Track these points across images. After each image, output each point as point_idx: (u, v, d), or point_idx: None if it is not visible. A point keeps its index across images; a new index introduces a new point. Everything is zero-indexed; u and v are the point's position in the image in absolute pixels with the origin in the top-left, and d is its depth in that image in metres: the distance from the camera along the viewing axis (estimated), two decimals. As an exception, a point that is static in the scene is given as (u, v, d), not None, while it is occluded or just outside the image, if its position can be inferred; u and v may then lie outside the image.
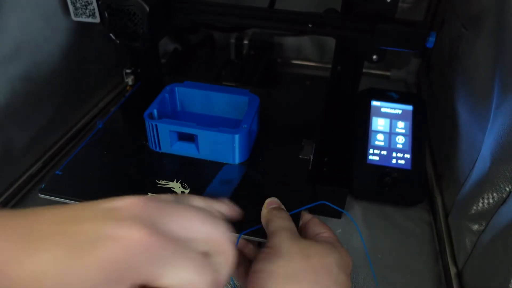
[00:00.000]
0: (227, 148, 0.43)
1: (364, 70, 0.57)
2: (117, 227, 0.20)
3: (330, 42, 0.79)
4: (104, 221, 0.21)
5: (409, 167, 0.52)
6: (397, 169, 0.52)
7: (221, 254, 0.24)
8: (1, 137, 0.48)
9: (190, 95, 0.49)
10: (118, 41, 0.52)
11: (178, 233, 0.22)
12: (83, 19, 0.53)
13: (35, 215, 0.22)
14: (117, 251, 0.20)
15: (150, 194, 0.40)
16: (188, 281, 0.21)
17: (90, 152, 0.46)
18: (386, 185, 0.51)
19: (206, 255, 0.23)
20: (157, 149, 0.45)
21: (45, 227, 0.21)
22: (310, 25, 0.51)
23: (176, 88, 0.49)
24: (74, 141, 0.61)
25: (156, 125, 0.44)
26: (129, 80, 0.65)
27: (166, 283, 0.20)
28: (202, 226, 0.24)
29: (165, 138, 0.44)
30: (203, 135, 0.43)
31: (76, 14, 0.53)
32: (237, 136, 0.42)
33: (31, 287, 0.20)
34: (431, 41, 0.47)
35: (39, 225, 0.21)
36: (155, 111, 0.45)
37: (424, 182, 0.52)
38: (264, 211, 0.36)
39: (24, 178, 0.53)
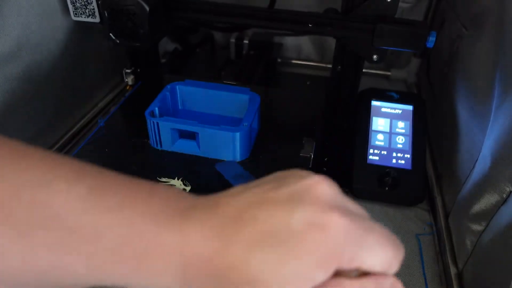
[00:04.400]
0: (228, 146, 0.43)
1: (364, 70, 0.57)
2: (316, 214, 0.19)
3: (330, 42, 0.79)
4: (300, 208, 0.20)
5: (409, 167, 0.52)
6: (397, 169, 0.52)
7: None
8: (1, 137, 0.48)
9: (191, 94, 0.50)
10: (118, 41, 0.52)
11: (362, 213, 0.22)
12: (83, 18, 0.53)
13: (223, 203, 0.21)
14: (320, 241, 0.19)
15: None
16: (384, 261, 0.21)
17: (92, 149, 0.46)
18: (386, 185, 0.51)
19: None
20: (159, 147, 0.46)
21: (237, 215, 0.20)
22: (310, 25, 0.51)
23: (177, 87, 0.49)
24: (74, 140, 0.61)
25: (157, 123, 0.44)
26: (129, 80, 0.65)
27: (365, 265, 0.20)
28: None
29: (166, 136, 0.45)
30: (204, 133, 0.43)
31: (76, 14, 0.53)
32: (237, 134, 0.42)
33: (233, 276, 0.19)
34: (431, 41, 0.47)
35: (230, 214, 0.20)
36: (156, 109, 0.45)
37: (424, 182, 0.52)
38: None
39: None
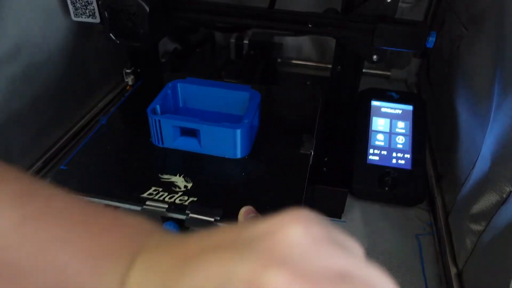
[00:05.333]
0: (229, 143, 0.44)
1: (364, 70, 0.57)
2: (256, 271, 0.15)
3: (330, 42, 0.79)
4: (237, 262, 0.16)
5: (409, 167, 0.52)
6: (397, 169, 0.52)
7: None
8: (1, 137, 0.48)
9: (192, 91, 0.50)
10: (118, 41, 0.52)
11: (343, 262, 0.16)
12: (83, 19, 0.53)
13: (182, 244, 0.19)
14: None
15: (153, 188, 0.40)
16: None
17: (94, 147, 0.47)
18: (386, 185, 0.51)
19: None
20: (160, 144, 0.46)
21: (184, 261, 0.18)
22: (310, 25, 0.51)
23: (178, 84, 0.50)
24: (74, 140, 0.61)
25: (159, 120, 0.44)
26: (129, 80, 0.65)
27: None
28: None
29: (168, 133, 0.45)
30: (205, 130, 0.44)
31: (76, 14, 0.53)
32: (238, 131, 0.43)
33: None
34: (431, 41, 0.47)
35: (180, 258, 0.18)
36: (158, 107, 0.45)
37: (424, 182, 0.52)
38: (241, 219, 0.32)
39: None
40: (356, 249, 0.17)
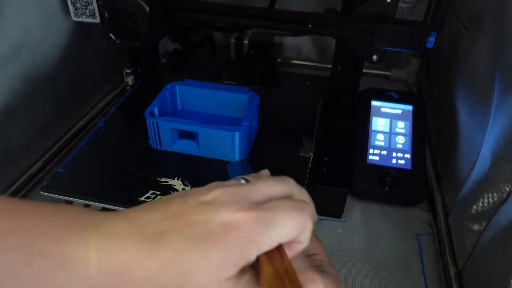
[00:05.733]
0: (227, 146, 0.44)
1: (364, 70, 0.57)
2: (226, 214, 0.23)
3: (330, 42, 0.79)
4: (211, 211, 0.23)
5: (409, 167, 0.52)
6: (397, 169, 0.52)
7: (299, 194, 0.27)
8: (1, 137, 0.48)
9: (190, 94, 0.50)
10: (118, 41, 0.52)
11: (262, 199, 0.25)
12: (83, 19, 0.53)
13: (136, 217, 0.24)
14: (234, 233, 0.22)
15: (151, 192, 0.40)
16: (295, 227, 0.24)
17: (91, 150, 0.46)
18: (386, 185, 0.51)
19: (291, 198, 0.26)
20: (158, 147, 0.46)
21: (155, 225, 0.23)
22: (310, 25, 0.51)
23: (176, 87, 0.49)
24: (74, 140, 0.61)
25: (157, 123, 0.44)
26: (129, 80, 0.65)
27: (280, 240, 0.23)
28: (273, 185, 0.26)
29: (166, 136, 0.45)
30: (203, 133, 0.43)
31: (76, 14, 0.53)
32: (237, 134, 0.42)
33: (165, 275, 0.22)
34: (431, 41, 0.47)
35: (148, 225, 0.23)
36: (156, 109, 0.45)
37: (424, 182, 0.52)
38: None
39: (24, 178, 0.53)
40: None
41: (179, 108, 0.51)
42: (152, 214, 0.24)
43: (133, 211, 0.24)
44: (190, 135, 0.45)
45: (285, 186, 0.27)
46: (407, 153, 0.53)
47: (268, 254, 0.23)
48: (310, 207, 0.26)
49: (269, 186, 0.26)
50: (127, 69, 0.65)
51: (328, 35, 0.52)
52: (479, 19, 0.48)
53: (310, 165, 0.44)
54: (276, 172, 0.44)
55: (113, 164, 0.45)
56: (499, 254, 0.34)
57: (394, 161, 0.53)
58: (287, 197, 0.26)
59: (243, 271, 0.23)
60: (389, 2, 0.47)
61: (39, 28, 0.51)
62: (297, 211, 0.24)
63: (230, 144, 0.43)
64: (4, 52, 0.47)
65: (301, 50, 0.83)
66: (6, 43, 0.47)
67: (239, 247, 0.22)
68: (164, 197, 0.26)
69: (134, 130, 0.49)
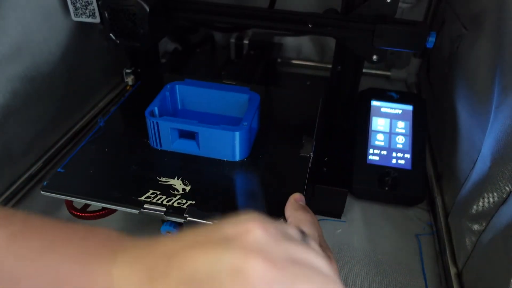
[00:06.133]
0: (228, 146, 0.44)
1: (364, 70, 0.57)
2: (238, 259, 0.20)
3: (330, 42, 0.79)
4: (225, 252, 0.20)
5: (409, 167, 0.52)
6: (397, 169, 0.52)
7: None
8: (1, 137, 0.48)
9: (190, 93, 0.50)
10: (118, 41, 0.52)
11: (302, 258, 0.22)
12: (83, 19, 0.53)
13: (160, 244, 0.22)
14: (247, 286, 0.19)
15: (151, 191, 0.40)
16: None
17: (91, 149, 0.46)
18: (386, 185, 0.51)
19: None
20: (158, 147, 0.46)
21: (167, 259, 0.21)
22: (310, 25, 0.51)
23: (176, 86, 0.49)
24: (74, 140, 0.61)
25: (157, 123, 0.44)
26: (129, 80, 0.65)
27: None
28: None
29: (166, 135, 0.45)
30: (203, 132, 0.43)
31: (76, 14, 0.53)
32: (237, 134, 0.42)
33: None
34: (431, 41, 0.47)
35: (163, 257, 0.21)
36: (156, 109, 0.45)
37: (424, 182, 0.52)
38: (290, 205, 0.36)
39: (24, 178, 0.53)
40: (300, 239, 0.24)
41: (179, 107, 0.51)
42: (173, 243, 0.22)
43: (163, 238, 0.23)
44: (190, 135, 0.45)
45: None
46: (407, 153, 0.53)
47: None
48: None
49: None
50: (127, 69, 0.64)
51: (328, 35, 0.52)
52: (479, 19, 0.48)
53: (310, 165, 0.44)
54: (276, 172, 0.45)
55: (114, 163, 0.45)
56: (499, 254, 0.34)
57: (394, 161, 0.53)
58: None
59: None
60: (389, 2, 0.47)
61: (39, 28, 0.51)
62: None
63: (231, 144, 0.43)
64: (4, 52, 0.47)
65: (301, 50, 0.83)
66: (6, 43, 0.47)
67: None
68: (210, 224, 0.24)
69: (134, 130, 0.49)
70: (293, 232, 0.24)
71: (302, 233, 0.24)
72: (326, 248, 0.31)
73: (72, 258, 0.22)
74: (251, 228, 0.21)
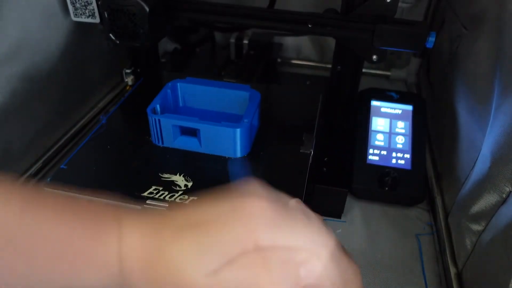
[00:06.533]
0: (229, 142, 0.44)
1: (364, 70, 0.57)
2: (243, 200, 0.23)
3: (330, 42, 0.79)
4: (236, 226, 0.22)
5: (409, 167, 0.52)
6: (397, 169, 0.52)
7: None
8: (0, 137, 0.48)
9: (192, 91, 0.50)
10: (118, 41, 0.52)
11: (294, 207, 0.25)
12: (83, 19, 0.53)
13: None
14: (244, 218, 0.22)
15: (153, 187, 0.40)
16: (307, 243, 0.23)
17: (94, 146, 0.47)
18: (386, 185, 0.51)
19: None
20: (160, 144, 0.46)
21: (193, 236, 0.23)
22: (310, 25, 0.51)
23: (178, 84, 0.50)
24: (74, 140, 0.61)
25: (159, 120, 0.44)
26: (129, 80, 0.65)
27: (290, 245, 0.23)
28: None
29: (168, 132, 0.45)
30: (205, 129, 0.44)
31: (76, 14, 0.53)
32: (238, 130, 0.43)
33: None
34: (431, 41, 0.47)
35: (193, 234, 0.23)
36: (158, 106, 0.46)
37: (424, 182, 0.52)
38: None
39: (24, 178, 0.53)
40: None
41: (180, 105, 0.51)
42: (188, 217, 0.24)
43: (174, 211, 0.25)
44: (191, 132, 0.45)
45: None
46: (407, 153, 0.53)
47: None
48: None
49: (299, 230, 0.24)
50: (127, 69, 0.65)
51: (328, 35, 0.52)
52: (479, 19, 0.48)
53: (310, 161, 0.44)
54: (277, 168, 0.45)
55: (116, 160, 0.45)
56: (499, 254, 0.34)
57: (394, 161, 0.53)
58: None
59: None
60: (389, 2, 0.47)
61: (39, 28, 0.51)
62: (318, 233, 0.24)
63: (232, 141, 0.44)
64: (3, 52, 0.47)
65: (301, 50, 0.83)
66: (6, 42, 0.47)
67: (238, 233, 0.22)
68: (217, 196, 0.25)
69: (136, 127, 0.49)
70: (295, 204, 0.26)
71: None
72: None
73: (81, 224, 0.23)
74: (257, 200, 0.23)
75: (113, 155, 0.46)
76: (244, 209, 0.22)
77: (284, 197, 0.25)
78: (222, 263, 0.22)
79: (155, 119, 0.44)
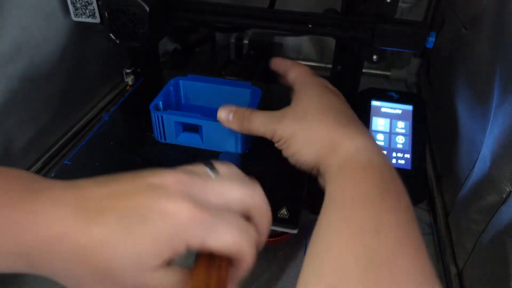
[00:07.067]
0: (230, 139, 0.45)
1: (364, 70, 0.57)
2: (167, 203, 0.23)
3: (330, 42, 0.79)
4: (154, 197, 0.23)
5: (409, 167, 0.52)
6: (397, 169, 0.51)
7: (258, 212, 0.26)
8: (1, 137, 0.48)
9: (193, 88, 0.51)
10: (118, 41, 0.52)
11: (216, 202, 0.25)
12: (83, 19, 0.53)
13: (84, 189, 0.24)
14: (168, 224, 0.22)
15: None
16: (232, 243, 0.24)
17: (97, 143, 0.47)
18: (386, 185, 0.51)
19: (245, 217, 0.26)
20: (163, 140, 0.47)
21: (98, 201, 0.23)
22: (310, 25, 0.51)
23: (180, 81, 0.51)
24: (73, 140, 0.61)
25: (161, 116, 0.45)
26: (129, 80, 0.65)
27: (213, 246, 0.23)
28: (236, 190, 0.26)
29: (170, 129, 0.46)
30: (207, 125, 0.44)
31: (76, 15, 0.53)
32: None
33: (92, 254, 0.22)
34: (430, 41, 0.47)
35: (92, 199, 0.23)
36: (160, 103, 0.46)
37: (424, 182, 0.52)
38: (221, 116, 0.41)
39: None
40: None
41: (182, 102, 0.52)
42: (99, 189, 0.24)
43: (83, 183, 0.25)
44: (194, 128, 0.46)
45: (247, 197, 0.26)
46: (407, 153, 0.53)
47: (207, 259, 0.24)
48: (257, 235, 0.25)
49: (230, 191, 0.26)
50: (127, 69, 0.65)
51: (328, 35, 0.52)
52: (479, 19, 0.48)
53: None
54: (277, 165, 0.45)
55: (119, 156, 0.46)
56: (499, 254, 0.34)
57: (394, 161, 0.53)
58: (242, 211, 0.26)
59: (170, 265, 0.23)
60: (389, 2, 0.47)
61: (39, 28, 0.51)
62: (240, 234, 0.24)
63: (233, 137, 0.44)
64: (3, 52, 0.47)
65: (301, 50, 0.83)
66: (6, 42, 0.47)
67: (169, 239, 0.22)
68: (120, 175, 0.26)
69: (139, 124, 0.50)
70: (202, 170, 0.27)
71: (212, 169, 0.27)
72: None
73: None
74: (174, 177, 0.24)
75: (116, 151, 0.47)
76: (176, 215, 0.23)
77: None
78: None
79: (157, 116, 0.45)
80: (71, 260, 0.22)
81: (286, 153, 0.36)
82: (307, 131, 0.34)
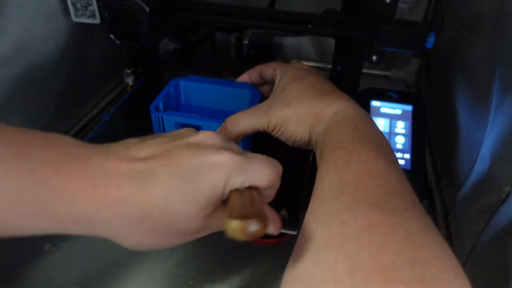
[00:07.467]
0: None
1: (364, 70, 0.57)
2: (212, 155, 0.25)
3: (330, 42, 0.79)
4: (201, 152, 0.26)
5: (409, 167, 0.52)
6: (397, 169, 0.52)
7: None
8: (1, 137, 0.49)
9: (194, 89, 0.51)
10: (118, 42, 0.52)
11: (238, 149, 0.29)
12: (84, 20, 0.53)
13: (127, 150, 0.26)
14: (219, 173, 0.25)
15: None
16: (268, 175, 0.27)
17: (97, 143, 0.47)
18: (386, 185, 0.51)
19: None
20: None
21: (146, 162, 0.25)
22: (310, 26, 0.51)
23: (180, 82, 0.51)
24: (74, 141, 0.61)
25: (162, 117, 0.45)
26: (129, 81, 0.65)
27: (253, 183, 0.26)
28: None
29: (170, 129, 0.46)
30: (207, 126, 0.44)
31: (77, 15, 0.53)
32: None
33: (157, 212, 0.24)
34: (430, 41, 0.47)
35: (140, 161, 0.25)
36: (160, 104, 0.46)
37: (424, 182, 0.52)
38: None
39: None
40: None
41: (183, 102, 0.52)
42: (141, 151, 0.25)
43: (121, 146, 0.26)
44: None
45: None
46: (407, 153, 0.53)
47: (239, 193, 0.26)
48: (280, 168, 0.29)
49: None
50: (127, 69, 0.65)
51: (328, 35, 0.52)
52: (479, 19, 0.48)
53: (311, 159, 0.45)
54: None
55: None
56: (499, 254, 0.34)
57: (394, 161, 0.53)
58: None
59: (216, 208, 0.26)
60: (389, 2, 0.47)
61: (39, 29, 0.51)
62: (271, 167, 0.28)
63: None
64: (4, 52, 0.47)
65: (300, 50, 0.83)
66: (6, 43, 0.47)
67: (222, 186, 0.25)
68: (147, 136, 0.28)
69: (139, 124, 0.50)
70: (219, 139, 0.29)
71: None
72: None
73: (42, 164, 0.23)
74: (206, 135, 0.27)
75: None
76: (221, 164, 0.26)
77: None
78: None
79: (158, 116, 0.45)
80: (135, 219, 0.24)
81: (282, 137, 0.39)
82: (295, 114, 0.38)
